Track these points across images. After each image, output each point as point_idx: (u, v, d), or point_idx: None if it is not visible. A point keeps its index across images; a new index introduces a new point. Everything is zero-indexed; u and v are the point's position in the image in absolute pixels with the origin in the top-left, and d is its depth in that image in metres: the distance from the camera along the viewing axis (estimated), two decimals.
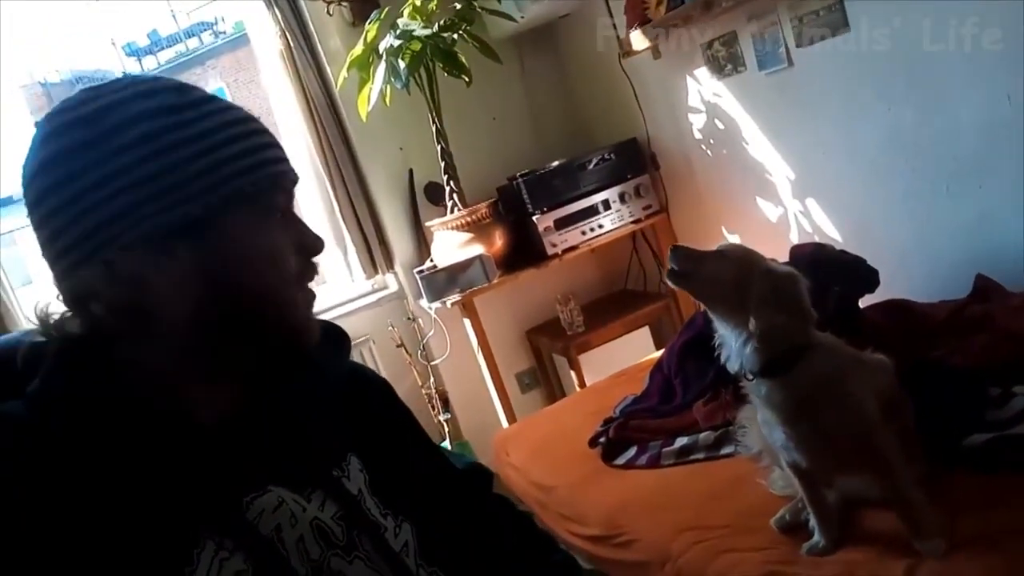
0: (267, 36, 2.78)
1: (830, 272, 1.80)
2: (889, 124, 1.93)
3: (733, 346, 1.27)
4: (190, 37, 17.37)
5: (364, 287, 3.07)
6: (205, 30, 17.11)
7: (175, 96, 0.65)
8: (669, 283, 1.35)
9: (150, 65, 17.75)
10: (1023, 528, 1.15)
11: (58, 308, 0.66)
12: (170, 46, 17.61)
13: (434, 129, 2.67)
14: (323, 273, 3.52)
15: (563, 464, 1.95)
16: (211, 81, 16.45)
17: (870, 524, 1.32)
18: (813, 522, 1.31)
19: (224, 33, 16.40)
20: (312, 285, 0.74)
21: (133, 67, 18.07)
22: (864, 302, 1.88)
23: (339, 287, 3.08)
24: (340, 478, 0.73)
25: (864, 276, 1.80)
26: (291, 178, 0.71)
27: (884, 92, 1.91)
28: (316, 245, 0.72)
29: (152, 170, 0.61)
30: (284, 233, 0.69)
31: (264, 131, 0.69)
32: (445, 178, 2.74)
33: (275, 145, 0.69)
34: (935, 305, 1.80)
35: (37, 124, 0.64)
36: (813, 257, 1.87)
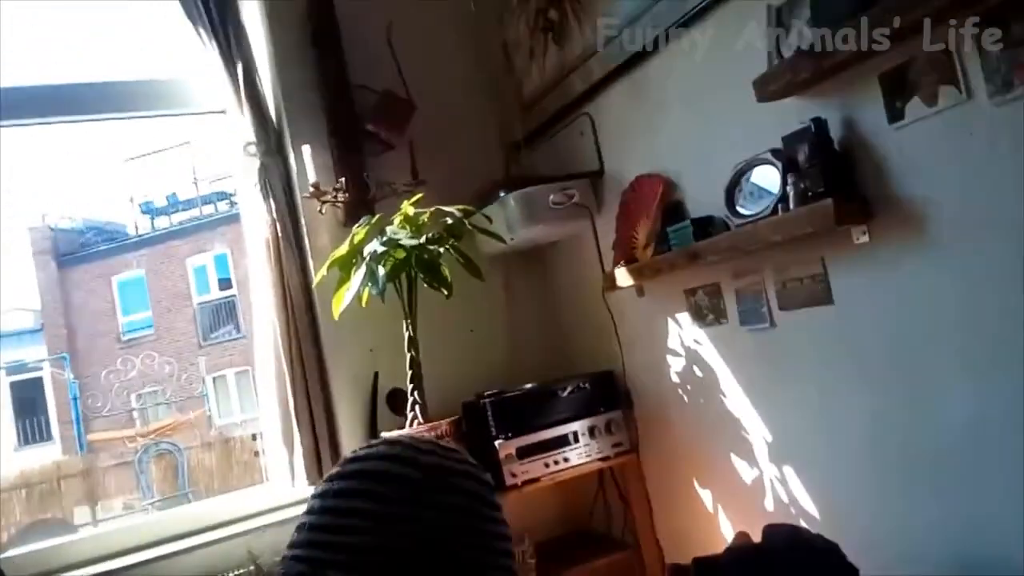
0: (258, 223, 2.78)
1: (807, 563, 1.63)
2: (871, 406, 1.84)
3: None
4: (207, 203, 18.10)
5: (306, 492, 2.82)
6: (222, 199, 17.87)
7: (488, 492, 0.77)
8: None
9: (162, 224, 18.32)
10: None
11: None
12: (186, 210, 18.29)
13: (406, 336, 2.59)
14: (264, 471, 3.29)
15: None
16: (218, 246, 16.91)
17: None
18: None
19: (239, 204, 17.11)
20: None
21: (145, 224, 18.64)
22: None
23: (278, 490, 2.83)
24: None
25: (843, 572, 1.61)
26: None
27: (867, 373, 1.83)
28: None
29: (446, 537, 0.71)
30: None
31: (513, 554, 0.79)
32: (410, 387, 2.61)
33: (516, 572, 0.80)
34: None
35: (385, 442, 0.78)
36: (789, 541, 1.70)
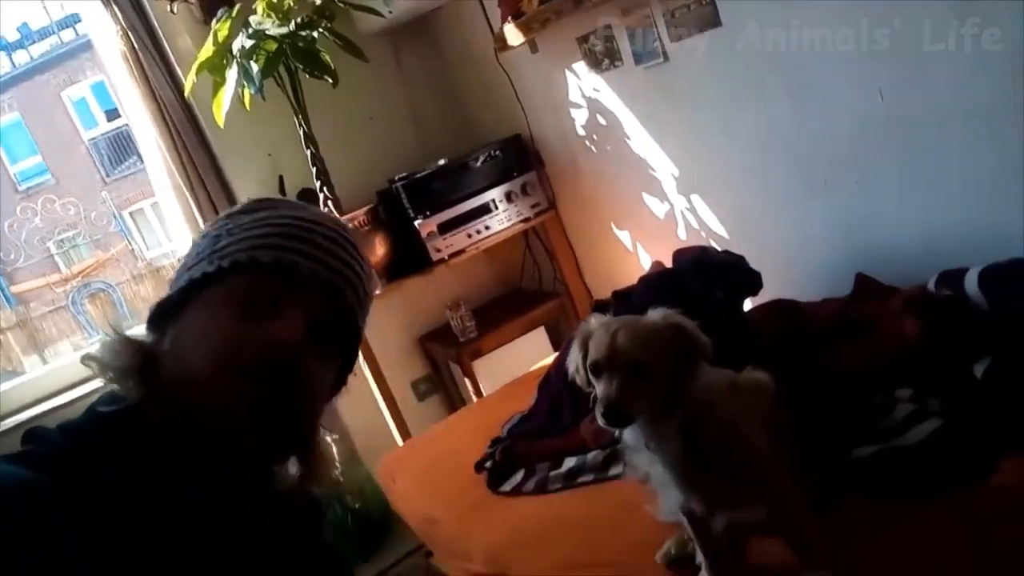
0: (108, 36, 2.51)
1: (714, 276, 1.74)
2: (765, 121, 1.88)
3: (641, 423, 1.10)
4: (64, 28, 16.16)
5: None
6: (80, 22, 15.95)
7: (290, 209, 0.80)
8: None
9: (22, 59, 16.46)
10: (907, 553, 1.11)
11: None
12: (43, 39, 16.36)
13: (301, 133, 2.48)
14: None
15: (449, 492, 1.83)
16: (89, 74, 15.41)
17: (758, 554, 1.25)
18: (700, 558, 1.24)
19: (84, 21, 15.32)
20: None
21: (3, 63, 16.75)
22: (750, 302, 1.84)
23: None
24: None
25: (747, 279, 1.74)
26: (295, 271, 0.72)
27: (758, 89, 1.85)
28: (275, 340, 0.70)
29: (207, 245, 0.76)
30: (242, 322, 0.70)
31: (316, 238, 0.75)
32: (318, 184, 2.56)
33: (314, 245, 0.74)
34: (818, 304, 1.76)
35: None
36: (697, 261, 1.81)
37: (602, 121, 2.42)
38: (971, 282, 1.47)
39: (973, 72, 1.44)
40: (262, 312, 0.70)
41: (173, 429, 0.68)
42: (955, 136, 1.53)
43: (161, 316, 0.74)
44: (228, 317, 0.70)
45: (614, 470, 1.64)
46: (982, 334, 1.41)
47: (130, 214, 15.21)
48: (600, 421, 1.03)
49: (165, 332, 0.73)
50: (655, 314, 1.10)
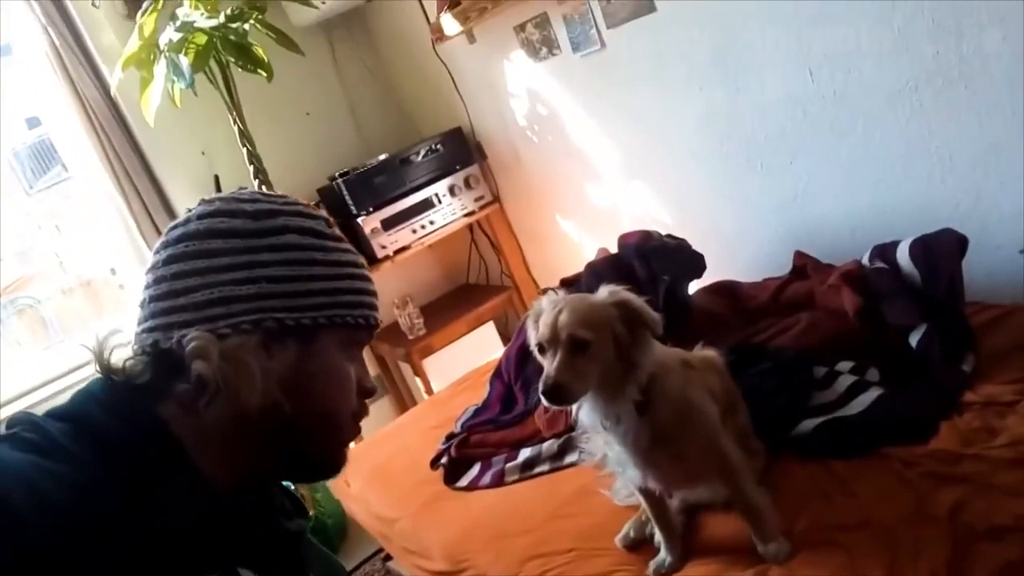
0: (30, 35, 2.39)
1: (658, 260, 1.76)
2: (701, 105, 1.90)
3: (594, 401, 1.10)
4: None
5: None
6: None
7: (323, 226, 0.75)
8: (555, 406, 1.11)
9: None
10: (855, 520, 1.13)
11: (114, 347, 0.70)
12: None
13: (236, 130, 2.40)
14: (127, 299, 3.17)
15: (404, 491, 1.80)
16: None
17: (714, 530, 1.26)
18: (658, 538, 1.24)
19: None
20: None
21: None
22: (693, 285, 1.86)
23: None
24: None
25: (690, 262, 1.76)
26: (377, 326, 0.79)
27: (694, 73, 1.87)
28: (374, 389, 0.80)
29: (288, 274, 0.70)
30: (355, 369, 0.77)
31: (371, 280, 0.79)
32: (256, 183, 2.49)
33: (376, 295, 0.79)
34: (759, 284, 1.79)
35: (203, 201, 0.73)
36: (640, 246, 1.82)
37: (542, 111, 2.42)
38: (903, 254, 1.51)
39: (896, 50, 1.48)
40: (363, 363, 0.80)
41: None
42: (881, 114, 1.58)
43: (289, 333, 0.70)
44: (353, 362, 0.77)
45: (569, 458, 1.64)
46: (915, 304, 1.45)
47: (56, 226, 14.62)
48: (542, 400, 1.03)
49: (276, 347, 0.70)
50: (603, 291, 1.10)
